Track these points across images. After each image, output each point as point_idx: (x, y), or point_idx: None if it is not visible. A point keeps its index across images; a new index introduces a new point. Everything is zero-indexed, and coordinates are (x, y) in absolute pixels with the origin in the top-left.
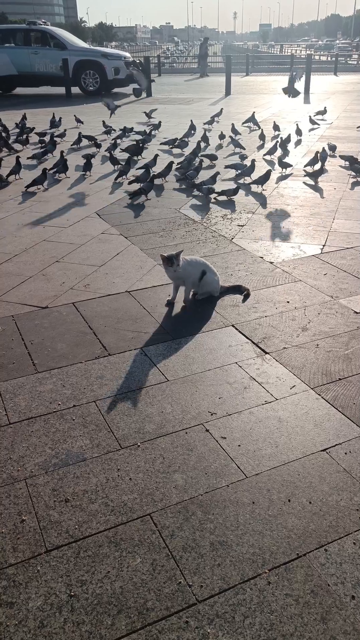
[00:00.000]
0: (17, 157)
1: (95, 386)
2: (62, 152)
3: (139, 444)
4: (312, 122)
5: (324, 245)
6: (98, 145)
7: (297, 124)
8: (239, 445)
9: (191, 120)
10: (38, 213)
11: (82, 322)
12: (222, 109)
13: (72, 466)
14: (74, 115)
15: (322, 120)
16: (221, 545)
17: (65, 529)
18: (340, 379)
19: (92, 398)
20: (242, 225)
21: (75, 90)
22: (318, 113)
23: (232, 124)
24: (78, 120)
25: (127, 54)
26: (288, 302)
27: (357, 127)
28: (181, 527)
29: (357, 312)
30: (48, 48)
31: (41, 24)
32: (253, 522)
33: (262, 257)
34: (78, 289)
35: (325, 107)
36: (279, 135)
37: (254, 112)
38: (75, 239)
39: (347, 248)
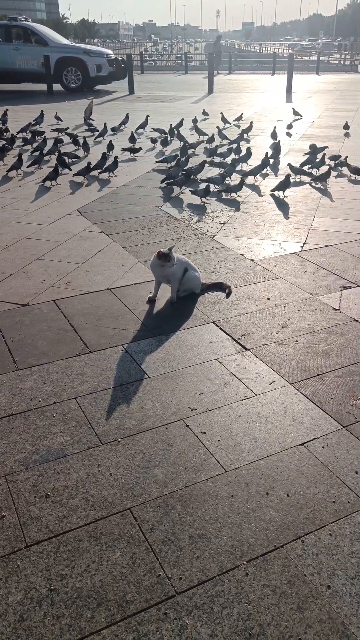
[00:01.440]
0: (20, 153)
1: (76, 383)
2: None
3: (119, 439)
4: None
5: (304, 243)
6: (77, 143)
7: (274, 127)
8: (219, 440)
9: (182, 119)
10: (19, 210)
11: (63, 320)
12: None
13: (53, 462)
14: (56, 113)
15: (298, 119)
16: (200, 538)
17: (45, 524)
18: (318, 375)
19: (72, 395)
20: (223, 223)
21: (57, 87)
22: (295, 113)
23: (196, 125)
24: (58, 119)
25: (110, 51)
26: (268, 299)
27: None
28: (161, 521)
29: (335, 309)
30: (29, 44)
31: (22, 20)
32: (232, 515)
33: (243, 255)
34: (59, 287)
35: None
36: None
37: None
38: (56, 236)
39: (327, 246)
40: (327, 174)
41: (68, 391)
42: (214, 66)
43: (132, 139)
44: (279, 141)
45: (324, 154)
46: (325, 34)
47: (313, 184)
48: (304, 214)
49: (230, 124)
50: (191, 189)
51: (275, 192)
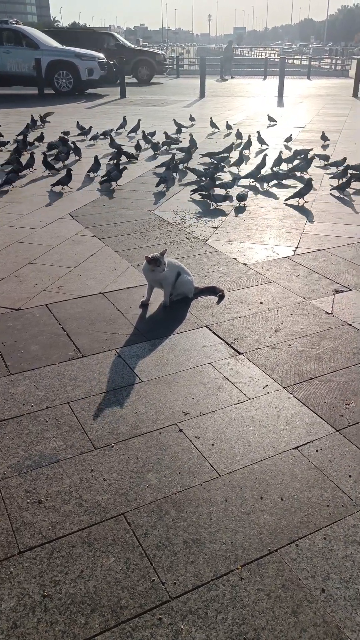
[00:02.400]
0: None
1: (68, 387)
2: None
3: (112, 444)
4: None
5: (296, 247)
6: (69, 147)
7: (258, 132)
8: (212, 445)
9: (174, 120)
10: (11, 214)
11: (55, 324)
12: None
13: (46, 467)
14: (40, 115)
15: (274, 124)
16: (194, 542)
17: (38, 530)
18: (311, 379)
19: (65, 399)
20: (216, 227)
21: (48, 90)
22: (270, 119)
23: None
24: (43, 121)
25: (101, 55)
26: (261, 303)
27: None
28: (155, 525)
29: (328, 313)
30: (20, 47)
31: (13, 23)
32: (226, 520)
33: (235, 259)
34: (51, 291)
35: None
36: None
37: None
38: (48, 240)
39: (319, 250)
40: (347, 183)
41: (61, 396)
42: (229, 70)
43: (112, 144)
44: (293, 149)
45: (344, 166)
46: (317, 38)
47: (335, 193)
48: (296, 218)
49: (218, 129)
50: (202, 193)
51: (294, 200)
